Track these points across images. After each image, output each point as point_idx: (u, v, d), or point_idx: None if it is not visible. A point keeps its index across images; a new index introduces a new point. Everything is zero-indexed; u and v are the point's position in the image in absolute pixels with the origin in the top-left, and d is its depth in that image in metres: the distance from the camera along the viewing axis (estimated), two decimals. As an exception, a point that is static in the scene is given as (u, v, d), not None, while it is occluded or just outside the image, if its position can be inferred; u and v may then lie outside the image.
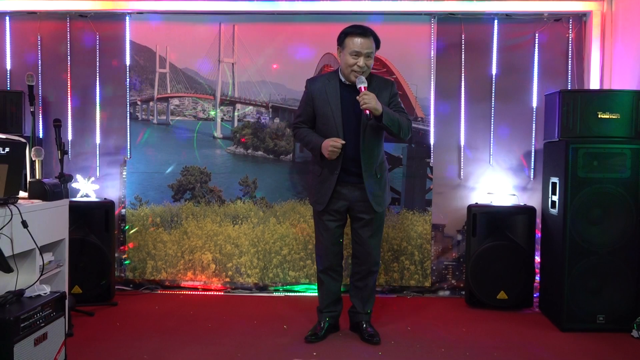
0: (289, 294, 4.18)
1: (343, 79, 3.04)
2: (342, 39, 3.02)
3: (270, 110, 4.26)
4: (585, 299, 3.35)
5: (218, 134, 4.30)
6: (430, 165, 4.20)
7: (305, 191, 4.13)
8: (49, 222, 2.78)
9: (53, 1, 4.16)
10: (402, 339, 3.21)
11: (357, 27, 2.99)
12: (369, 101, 2.84)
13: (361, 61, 2.94)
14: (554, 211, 3.52)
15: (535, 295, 3.88)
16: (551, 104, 3.60)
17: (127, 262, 4.22)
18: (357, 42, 2.94)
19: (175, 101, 4.31)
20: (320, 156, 3.03)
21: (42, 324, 2.37)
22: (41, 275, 2.61)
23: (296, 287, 4.21)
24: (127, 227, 4.22)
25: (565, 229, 3.35)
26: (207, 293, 4.19)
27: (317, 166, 3.12)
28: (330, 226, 3.14)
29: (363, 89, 2.90)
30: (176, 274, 4.24)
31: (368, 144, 3.02)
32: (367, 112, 2.86)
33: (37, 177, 3.11)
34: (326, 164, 3.04)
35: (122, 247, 4.22)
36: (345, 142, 2.96)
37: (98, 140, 4.26)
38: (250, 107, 4.28)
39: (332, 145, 2.94)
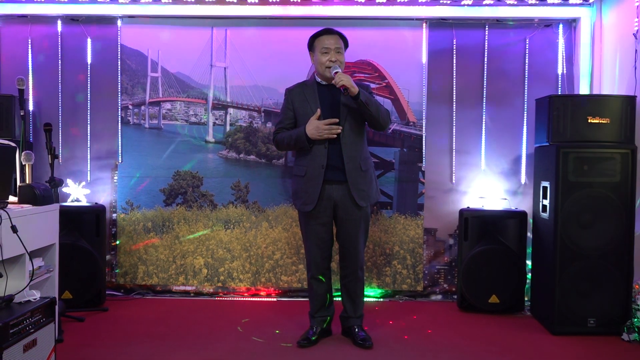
0: (281, 298, 4.17)
1: (319, 80, 3.15)
2: (311, 43, 3.17)
3: (263, 114, 4.26)
4: (576, 303, 3.36)
5: (210, 138, 4.29)
6: (422, 169, 4.21)
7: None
8: (39, 227, 2.75)
9: (44, 5, 4.13)
10: (394, 343, 3.21)
11: (323, 29, 3.14)
12: (344, 78, 2.94)
13: (332, 56, 3.05)
14: (545, 215, 3.54)
15: (526, 299, 3.90)
16: (542, 109, 3.62)
17: (117, 270, 4.19)
18: (324, 40, 3.09)
19: (167, 105, 4.30)
20: (307, 140, 3.01)
21: (32, 330, 2.34)
22: (31, 280, 2.58)
23: (288, 292, 4.20)
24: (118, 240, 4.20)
25: (556, 232, 3.37)
26: (199, 298, 4.16)
27: (301, 167, 3.11)
28: (318, 230, 3.13)
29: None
30: (167, 279, 4.22)
31: (349, 136, 3.06)
32: (343, 89, 2.94)
33: (27, 182, 3.07)
34: (311, 159, 3.05)
35: (112, 252, 4.20)
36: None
37: (89, 144, 4.24)
38: (243, 112, 4.27)
39: (319, 122, 2.99)
